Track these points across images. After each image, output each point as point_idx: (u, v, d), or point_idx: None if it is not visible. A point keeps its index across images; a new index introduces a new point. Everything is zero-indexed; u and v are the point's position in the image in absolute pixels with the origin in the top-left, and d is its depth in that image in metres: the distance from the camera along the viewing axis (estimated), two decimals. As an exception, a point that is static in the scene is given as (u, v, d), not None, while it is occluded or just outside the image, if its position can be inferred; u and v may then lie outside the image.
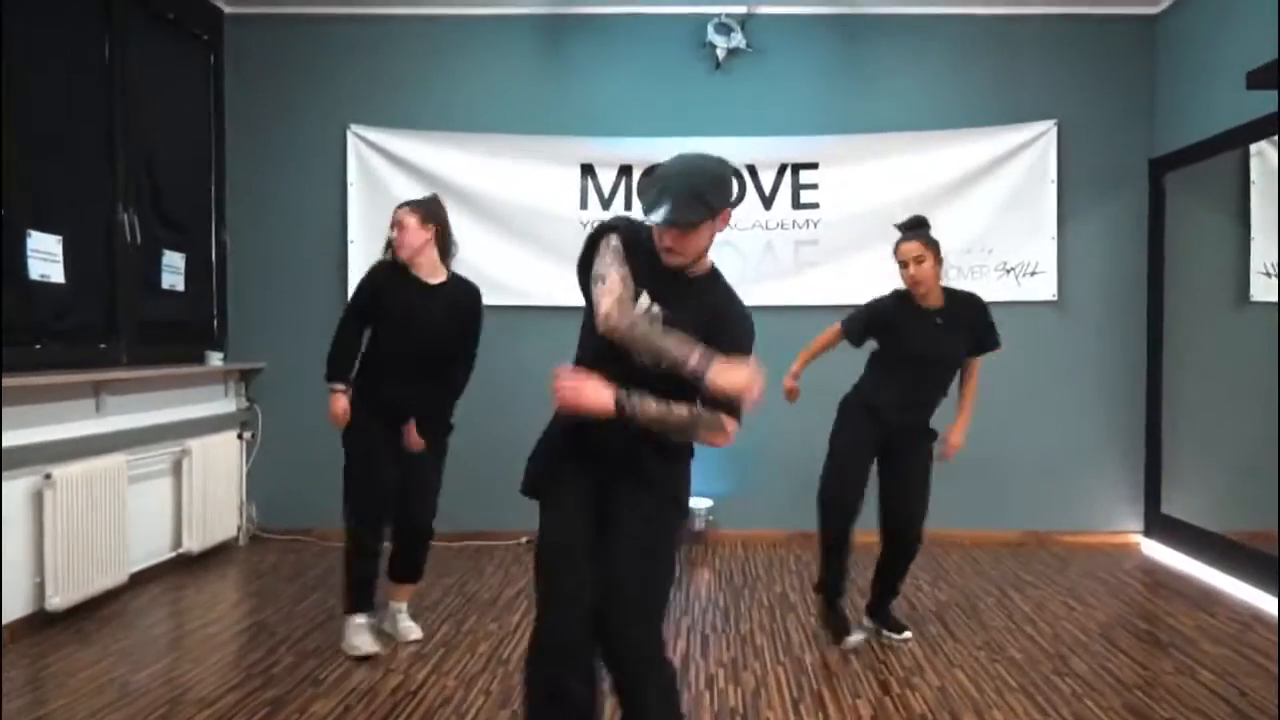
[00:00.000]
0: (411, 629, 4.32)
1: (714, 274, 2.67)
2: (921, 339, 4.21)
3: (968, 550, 6.05)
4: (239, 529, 6.09)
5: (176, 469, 5.51)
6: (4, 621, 4.18)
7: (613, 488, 2.59)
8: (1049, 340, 6.28)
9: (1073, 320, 6.29)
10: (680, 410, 2.45)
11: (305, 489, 6.25)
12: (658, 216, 2.43)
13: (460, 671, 3.89)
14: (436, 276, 4.14)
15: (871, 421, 4.25)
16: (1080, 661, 4.06)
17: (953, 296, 4.28)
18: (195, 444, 5.57)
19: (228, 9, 6.25)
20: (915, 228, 4.19)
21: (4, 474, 4.18)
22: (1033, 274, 6.28)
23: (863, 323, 4.37)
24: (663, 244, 2.50)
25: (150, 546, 5.29)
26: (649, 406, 2.43)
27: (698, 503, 6.13)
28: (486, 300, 4.31)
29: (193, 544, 5.54)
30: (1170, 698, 3.67)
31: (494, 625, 4.51)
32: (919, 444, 4.30)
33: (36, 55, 4.57)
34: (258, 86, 6.31)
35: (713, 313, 2.57)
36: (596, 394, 2.42)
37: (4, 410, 4.17)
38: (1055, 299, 6.26)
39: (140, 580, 5.08)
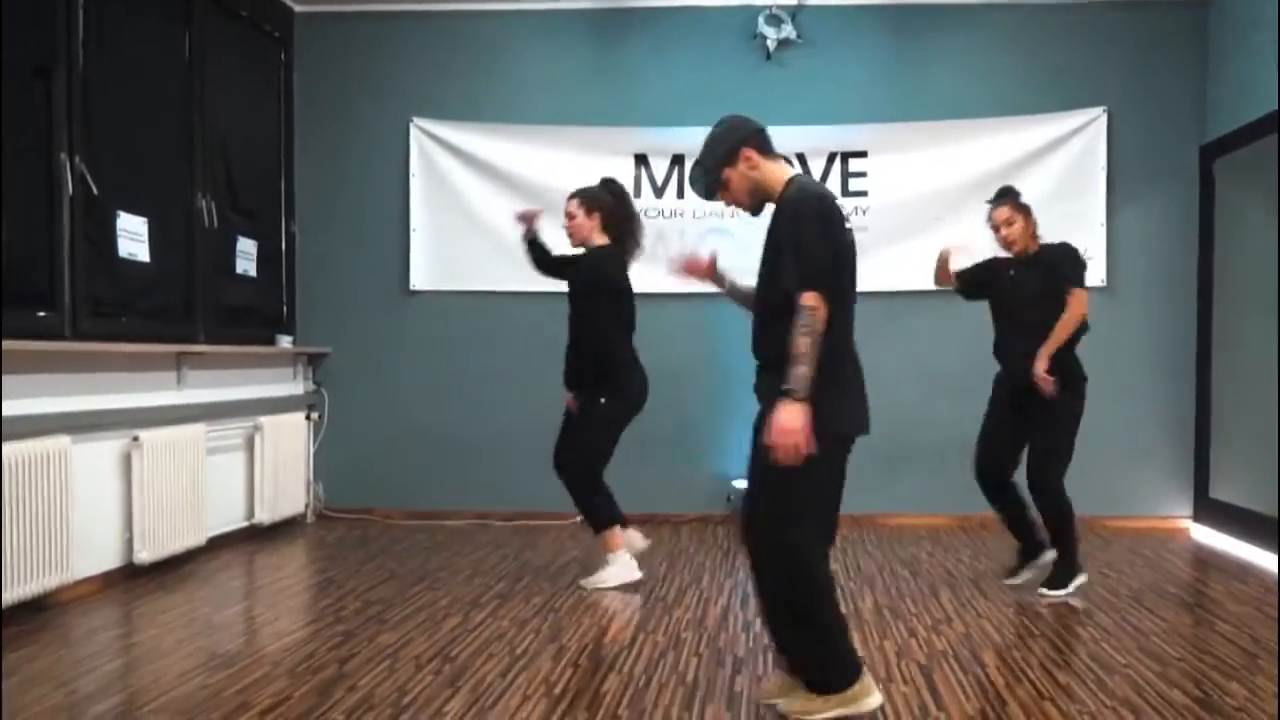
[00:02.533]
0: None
1: (781, 197, 3.01)
2: (1001, 286, 4.70)
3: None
4: (306, 505, 6.37)
5: (249, 444, 5.80)
6: (98, 571, 4.53)
7: None
8: (1097, 326, 6.28)
9: (1121, 306, 6.34)
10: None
11: (369, 470, 6.56)
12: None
13: (514, 616, 4.11)
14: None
15: (997, 385, 4.76)
16: (1105, 616, 4.18)
17: (1047, 248, 4.68)
18: (267, 421, 5.85)
19: (298, 8, 6.57)
20: (1003, 196, 4.69)
21: (95, 435, 4.50)
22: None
23: (966, 275, 4.87)
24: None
25: (225, 515, 5.58)
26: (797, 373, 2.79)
27: (737, 484, 6.29)
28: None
29: (264, 515, 5.82)
30: (1184, 642, 3.82)
31: (547, 584, 4.73)
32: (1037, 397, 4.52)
33: (124, 51, 4.88)
34: (325, 81, 6.63)
35: (773, 229, 2.99)
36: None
37: (92, 375, 4.51)
38: (1104, 285, 6.31)
39: (215, 545, 5.36)
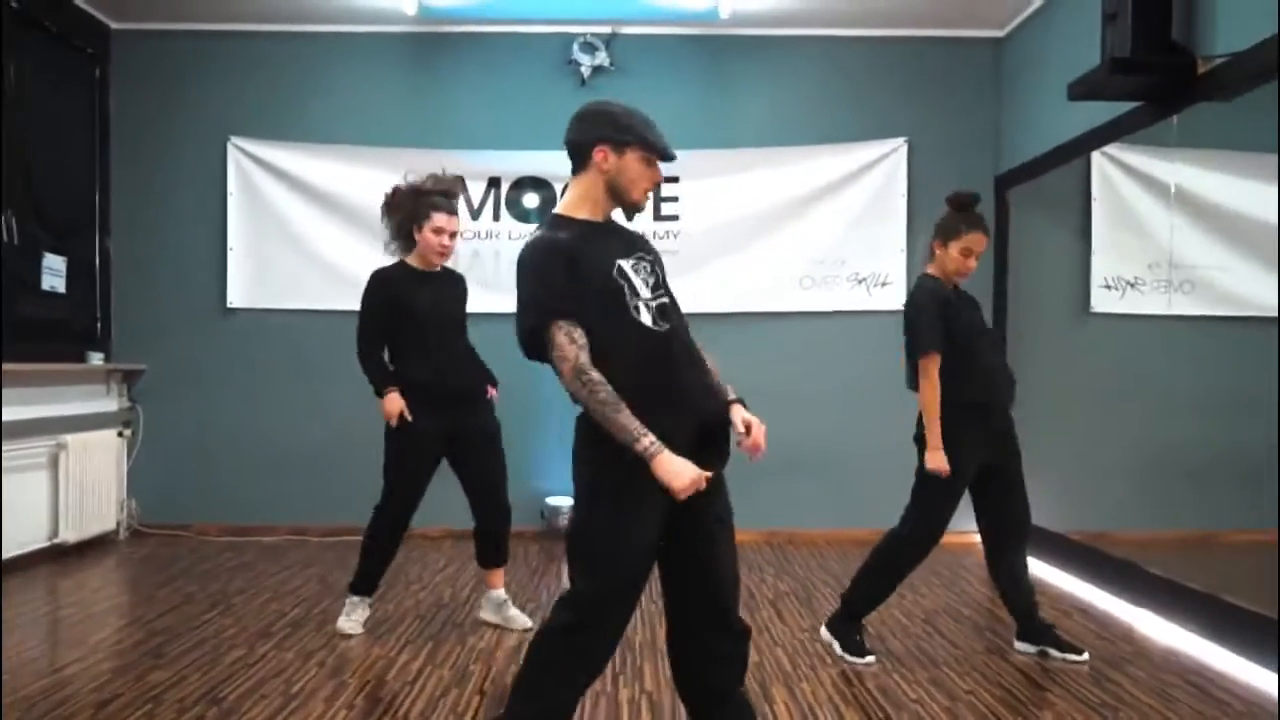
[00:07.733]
0: (519, 617, 4.53)
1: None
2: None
3: (818, 548, 6.40)
4: (119, 523, 6.35)
5: (54, 462, 5.75)
6: None
7: None
8: (898, 348, 6.64)
9: (920, 329, 6.66)
10: None
11: (186, 486, 6.56)
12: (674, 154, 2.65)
13: (301, 648, 4.17)
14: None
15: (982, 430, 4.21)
16: (897, 642, 4.31)
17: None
18: (73, 439, 5.81)
19: (114, 25, 6.51)
20: (975, 209, 4.04)
21: None
22: (883, 284, 6.69)
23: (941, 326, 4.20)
24: (648, 187, 2.66)
25: (25, 535, 5.53)
26: None
27: (559, 501, 6.46)
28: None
29: (69, 534, 5.79)
30: (975, 673, 3.92)
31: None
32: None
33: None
34: (143, 99, 6.59)
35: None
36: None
37: None
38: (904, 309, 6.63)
39: (14, 566, 5.33)
